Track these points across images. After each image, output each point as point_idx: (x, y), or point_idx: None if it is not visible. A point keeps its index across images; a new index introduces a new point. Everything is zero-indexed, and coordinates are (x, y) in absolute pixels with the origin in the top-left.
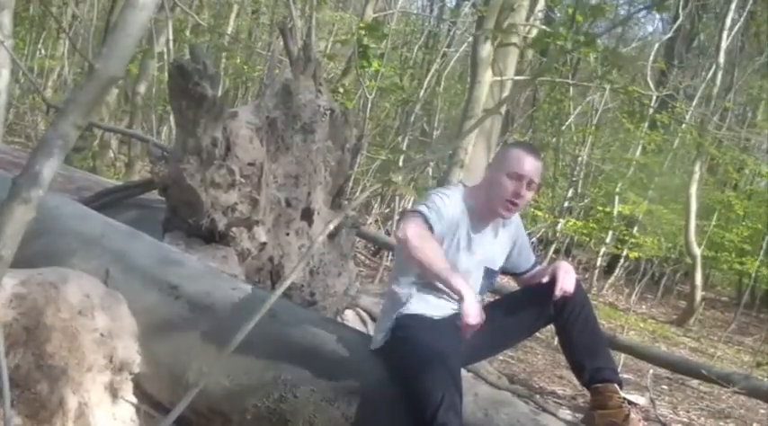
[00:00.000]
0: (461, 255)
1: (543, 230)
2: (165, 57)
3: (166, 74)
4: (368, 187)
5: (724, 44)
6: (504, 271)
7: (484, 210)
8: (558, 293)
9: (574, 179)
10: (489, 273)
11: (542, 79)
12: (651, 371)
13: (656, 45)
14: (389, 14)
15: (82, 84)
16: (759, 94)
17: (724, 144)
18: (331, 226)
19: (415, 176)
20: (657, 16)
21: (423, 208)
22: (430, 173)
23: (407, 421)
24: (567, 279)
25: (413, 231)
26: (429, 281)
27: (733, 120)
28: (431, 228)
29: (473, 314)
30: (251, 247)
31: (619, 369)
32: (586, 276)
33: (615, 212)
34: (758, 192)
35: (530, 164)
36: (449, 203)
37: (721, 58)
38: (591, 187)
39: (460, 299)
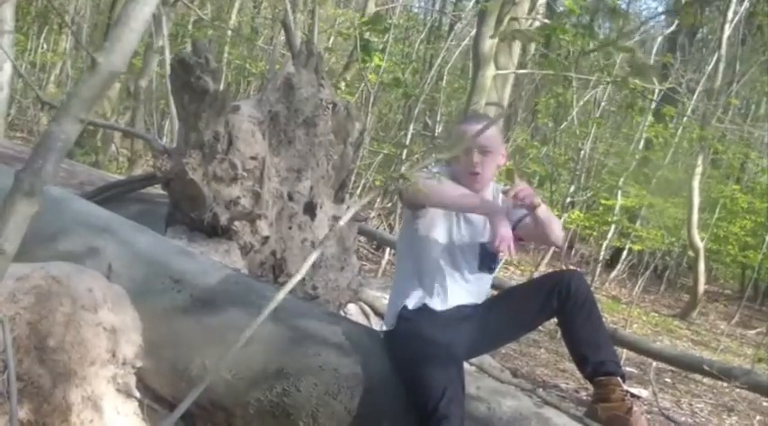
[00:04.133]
0: (456, 230)
1: None
2: (167, 52)
3: (168, 68)
4: (371, 181)
5: (726, 37)
6: None
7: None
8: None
9: (576, 172)
10: (486, 246)
11: (545, 72)
12: (654, 364)
13: (659, 38)
14: (391, 8)
15: (84, 78)
16: (762, 88)
17: (727, 137)
18: (341, 223)
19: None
20: (660, 9)
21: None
22: (433, 164)
23: (410, 414)
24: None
25: (422, 183)
26: (433, 269)
27: (736, 114)
28: None
29: (506, 235)
30: (253, 241)
31: (622, 362)
32: (589, 269)
33: (617, 205)
34: (761, 186)
35: (471, 134)
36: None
37: (723, 51)
38: (593, 180)
39: (492, 215)
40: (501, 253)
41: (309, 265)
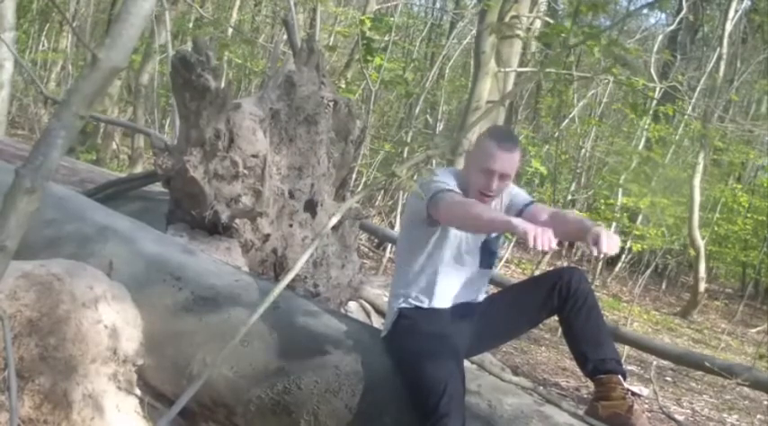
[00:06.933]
0: (458, 234)
1: None
2: (169, 49)
3: (169, 65)
4: (371, 179)
5: (727, 35)
6: None
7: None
8: (598, 252)
9: (577, 171)
10: (487, 244)
11: (546, 71)
12: (655, 363)
13: (660, 37)
14: (392, 6)
15: (85, 74)
16: (762, 87)
17: (728, 136)
18: (334, 220)
19: (418, 169)
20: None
21: (441, 185)
22: (434, 165)
23: (411, 412)
24: (610, 243)
25: (449, 202)
26: (435, 269)
27: (737, 112)
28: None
29: (539, 235)
30: (254, 239)
31: (622, 361)
32: (590, 267)
33: (618, 204)
34: (763, 187)
35: (501, 160)
36: (449, 182)
37: (724, 49)
38: (594, 179)
39: (526, 233)
40: (543, 248)
41: (303, 263)
